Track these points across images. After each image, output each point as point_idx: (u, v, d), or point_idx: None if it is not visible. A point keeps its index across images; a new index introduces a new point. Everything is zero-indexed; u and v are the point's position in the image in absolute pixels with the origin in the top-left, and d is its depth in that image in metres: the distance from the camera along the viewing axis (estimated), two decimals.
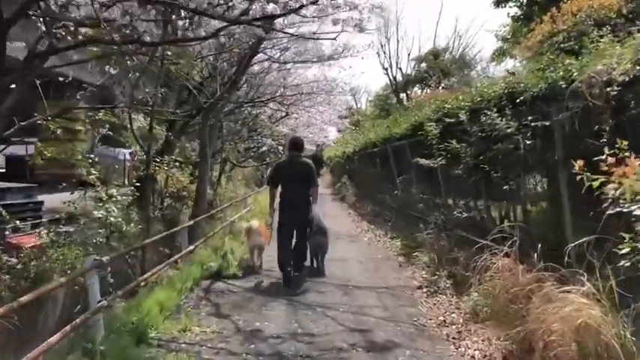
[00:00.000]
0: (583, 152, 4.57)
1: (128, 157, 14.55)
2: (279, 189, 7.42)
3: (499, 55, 12.59)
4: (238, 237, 9.90)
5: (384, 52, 29.88)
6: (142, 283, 5.91)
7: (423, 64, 28.45)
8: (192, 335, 4.72)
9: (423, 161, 8.01)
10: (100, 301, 4.24)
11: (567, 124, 4.41)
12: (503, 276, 4.41)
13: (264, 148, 21.14)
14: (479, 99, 6.71)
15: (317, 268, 7.71)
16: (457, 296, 5.95)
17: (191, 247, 7.37)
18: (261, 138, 21.51)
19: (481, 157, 6.38)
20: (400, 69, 29.59)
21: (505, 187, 5.67)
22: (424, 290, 6.54)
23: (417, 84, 28.96)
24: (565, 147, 4.78)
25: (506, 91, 5.90)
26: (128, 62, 7.72)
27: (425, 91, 28.18)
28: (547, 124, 4.90)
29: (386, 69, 30.02)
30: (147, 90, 8.51)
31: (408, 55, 33.19)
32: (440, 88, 24.52)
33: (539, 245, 4.45)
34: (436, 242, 7.38)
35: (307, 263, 7.65)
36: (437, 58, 27.05)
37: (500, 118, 5.54)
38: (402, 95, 28.97)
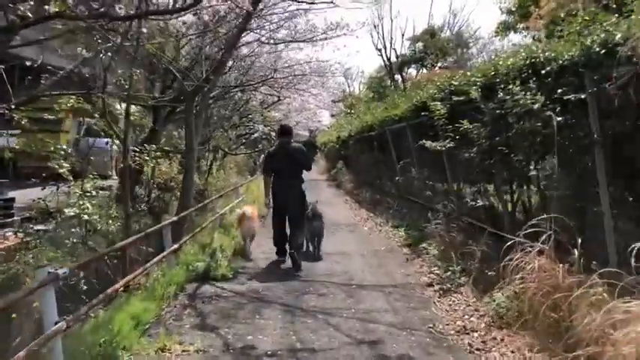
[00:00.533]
0: (631, 128, 3.89)
1: (116, 147, 13.88)
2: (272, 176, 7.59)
3: (503, 29, 11.73)
4: (229, 231, 9.20)
5: (378, 32, 28.95)
6: (122, 289, 5.20)
7: (419, 44, 27.44)
8: (172, 356, 4.01)
9: (428, 144, 7.27)
10: (57, 322, 3.52)
11: (614, 96, 3.69)
12: (539, 277, 3.72)
13: (256, 135, 20.38)
14: (492, 73, 5.97)
15: (313, 253, 7.77)
16: (475, 296, 5.28)
17: (175, 246, 6.61)
18: (253, 124, 20.72)
19: (497, 138, 5.69)
20: (394, 50, 28.68)
21: (532, 173, 4.95)
22: (436, 288, 5.86)
23: (412, 64, 27.96)
24: (605, 123, 4.08)
25: (527, 61, 5.17)
26: (99, 41, 6.95)
27: (421, 71, 27.33)
28: (583, 97, 4.18)
29: (380, 50, 29.08)
30: (120, 71, 7.73)
31: (402, 35, 32.26)
32: (437, 68, 23.66)
33: (580, 241, 3.77)
34: (446, 234, 6.69)
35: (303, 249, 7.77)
36: (433, 37, 26.03)
37: (523, 93, 4.82)
38: (397, 77, 28.07)
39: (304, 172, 7.60)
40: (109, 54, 6.79)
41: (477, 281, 5.43)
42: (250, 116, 21.79)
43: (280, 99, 20.19)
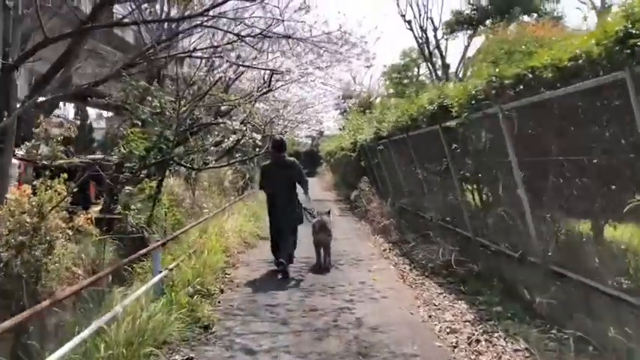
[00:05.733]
0: None
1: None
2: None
3: None
4: None
5: None
6: None
7: None
8: None
9: None
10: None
11: None
12: None
13: (233, 138, 13.26)
14: None
15: (320, 266, 7.46)
16: None
17: None
18: (232, 124, 13.52)
19: None
20: (431, 19, 20.86)
21: None
22: None
23: (468, 27, 19.91)
24: None
25: None
26: None
27: (470, 41, 19.65)
28: None
29: (409, 22, 21.39)
30: None
31: None
32: (501, 30, 16.09)
33: None
34: None
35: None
36: None
37: None
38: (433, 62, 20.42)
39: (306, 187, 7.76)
40: None
41: None
42: (231, 114, 15.10)
43: (271, 89, 13.57)
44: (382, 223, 10.37)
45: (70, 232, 6.68)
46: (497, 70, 5.35)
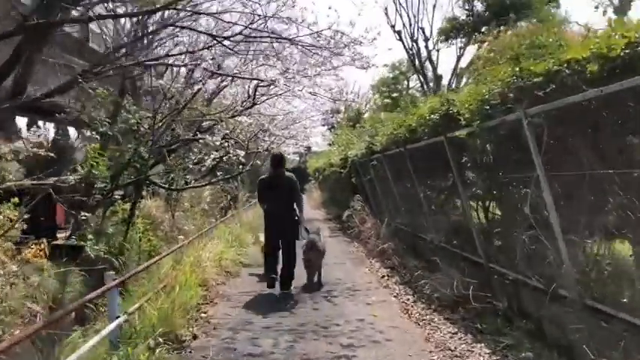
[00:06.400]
0: None
1: None
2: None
3: None
4: None
5: (396, 2, 19.95)
6: None
7: (478, 3, 18.66)
8: None
9: None
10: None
11: None
12: None
13: (215, 155, 12.32)
14: None
15: (312, 284, 7.46)
16: None
17: None
18: (212, 140, 12.55)
19: None
20: (422, 29, 20.12)
21: None
22: None
23: (461, 35, 19.12)
24: None
25: None
26: None
27: (461, 51, 18.89)
28: None
29: (399, 32, 20.63)
30: None
31: (434, 7, 23.02)
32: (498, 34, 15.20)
33: None
34: None
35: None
36: None
37: None
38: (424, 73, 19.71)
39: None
40: None
41: None
42: (214, 129, 14.08)
43: (256, 102, 12.71)
44: (379, 247, 9.44)
45: (15, 267, 5.74)
46: (517, 68, 4.52)
